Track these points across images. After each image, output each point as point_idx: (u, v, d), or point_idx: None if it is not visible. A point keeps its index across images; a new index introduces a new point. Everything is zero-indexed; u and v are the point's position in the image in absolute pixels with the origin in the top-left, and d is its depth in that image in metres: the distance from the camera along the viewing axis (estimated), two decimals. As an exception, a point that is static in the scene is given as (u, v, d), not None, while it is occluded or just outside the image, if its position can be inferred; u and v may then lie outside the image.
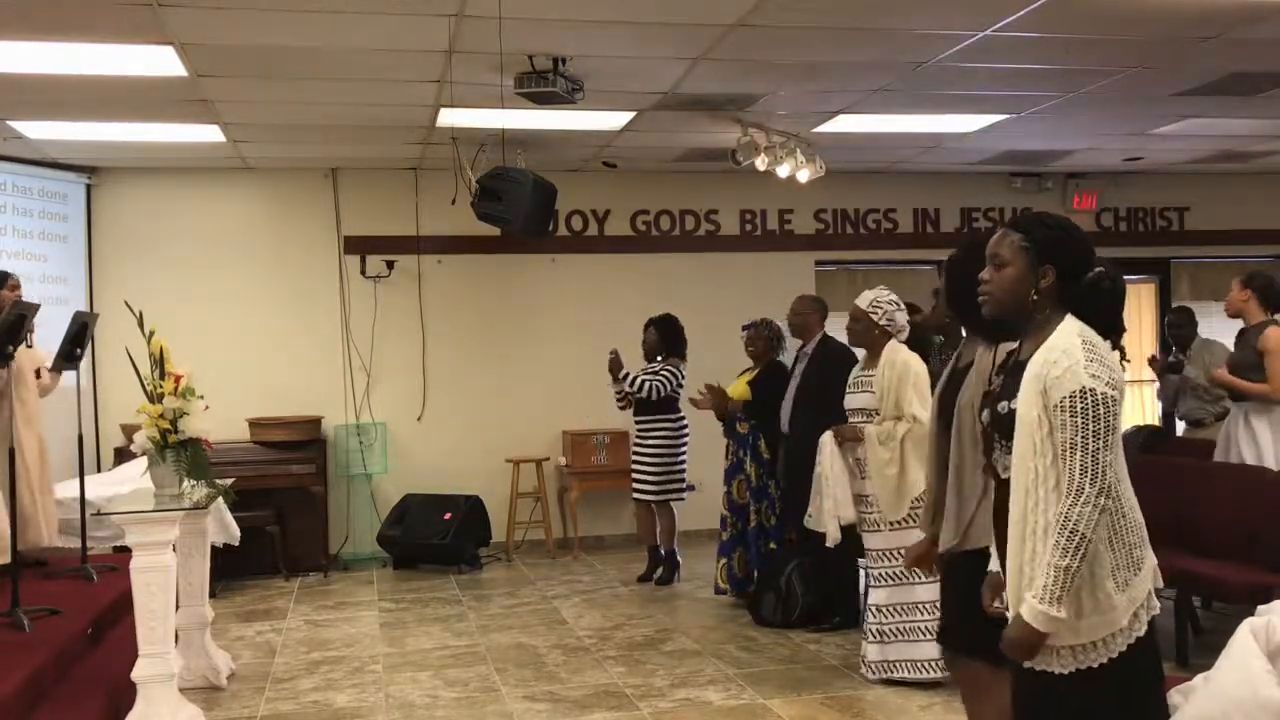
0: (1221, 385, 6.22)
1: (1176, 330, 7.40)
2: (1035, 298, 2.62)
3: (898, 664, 5.20)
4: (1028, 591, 2.44)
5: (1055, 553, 2.40)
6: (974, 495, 3.30)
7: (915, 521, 5.10)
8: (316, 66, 5.99)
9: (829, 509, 5.45)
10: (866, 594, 5.71)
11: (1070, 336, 2.51)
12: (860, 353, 5.59)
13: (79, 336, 5.81)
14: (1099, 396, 2.42)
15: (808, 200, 9.48)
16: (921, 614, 5.15)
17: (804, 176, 7.68)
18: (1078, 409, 2.42)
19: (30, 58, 5.68)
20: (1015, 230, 2.68)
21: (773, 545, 6.67)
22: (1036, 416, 2.48)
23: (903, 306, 5.41)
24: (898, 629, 5.20)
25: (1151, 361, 7.68)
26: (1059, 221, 2.69)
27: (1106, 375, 2.45)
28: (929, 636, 5.10)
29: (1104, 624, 2.46)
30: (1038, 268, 2.62)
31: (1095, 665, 2.46)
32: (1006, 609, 2.71)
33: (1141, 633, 2.49)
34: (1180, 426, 7.63)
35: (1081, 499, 2.40)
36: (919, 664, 5.15)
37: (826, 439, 5.51)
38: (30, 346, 5.66)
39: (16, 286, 6.07)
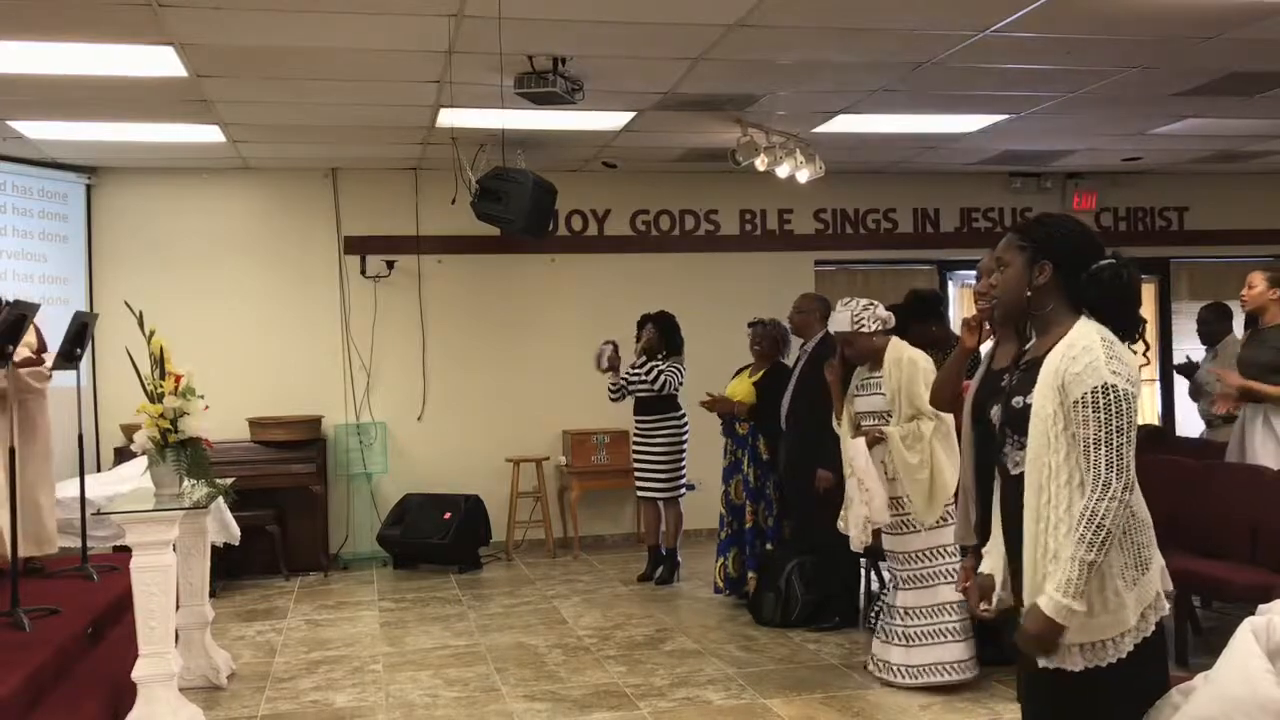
0: (1241, 392, 5.65)
1: (1205, 327, 7.25)
2: (1030, 293, 2.64)
3: (929, 668, 5.04)
4: (1048, 584, 2.45)
5: (1080, 546, 2.42)
6: None
7: (949, 521, 4.91)
8: (316, 66, 5.99)
9: (861, 514, 5.11)
10: (880, 594, 5.67)
11: (1089, 335, 2.54)
12: None
13: (79, 336, 5.80)
14: (1120, 392, 2.46)
15: (808, 200, 9.48)
16: (948, 614, 5.05)
17: (804, 176, 7.67)
18: (1100, 404, 2.45)
19: (30, 58, 5.68)
20: (1014, 232, 2.74)
21: (769, 546, 6.66)
22: (1052, 412, 2.51)
23: (875, 302, 5.29)
24: (926, 632, 5.07)
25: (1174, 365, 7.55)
26: (1059, 219, 2.71)
27: (1126, 372, 2.49)
28: (958, 637, 5.04)
29: (1114, 623, 2.48)
30: (1034, 264, 2.64)
31: (1104, 664, 2.48)
32: (994, 611, 2.74)
33: (1149, 633, 2.52)
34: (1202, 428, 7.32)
35: (1108, 494, 2.42)
36: (948, 666, 5.03)
37: (860, 446, 5.13)
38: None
39: None
